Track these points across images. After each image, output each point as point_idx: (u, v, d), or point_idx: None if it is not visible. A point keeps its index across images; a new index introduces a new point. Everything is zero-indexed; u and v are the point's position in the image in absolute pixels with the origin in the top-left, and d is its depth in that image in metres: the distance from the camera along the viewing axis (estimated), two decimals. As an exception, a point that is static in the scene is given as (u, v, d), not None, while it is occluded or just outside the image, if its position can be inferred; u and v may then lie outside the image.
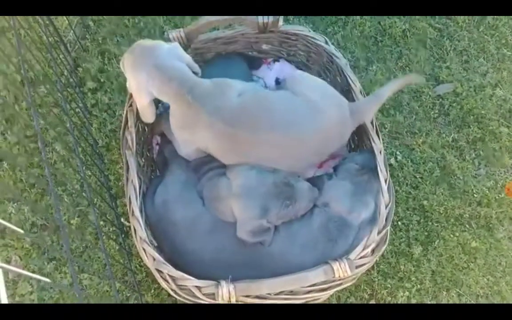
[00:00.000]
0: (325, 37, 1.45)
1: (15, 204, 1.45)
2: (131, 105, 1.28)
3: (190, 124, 1.22)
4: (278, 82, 1.54)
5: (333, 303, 1.41)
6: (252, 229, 1.18)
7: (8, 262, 1.40)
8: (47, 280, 0.73)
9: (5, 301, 0.60)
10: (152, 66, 1.17)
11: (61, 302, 1.37)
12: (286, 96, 1.28)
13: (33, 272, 1.39)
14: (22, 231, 0.68)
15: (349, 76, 1.37)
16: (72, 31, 1.65)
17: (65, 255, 1.38)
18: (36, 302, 1.36)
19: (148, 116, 1.26)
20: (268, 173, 1.23)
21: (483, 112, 1.67)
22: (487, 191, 1.57)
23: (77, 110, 1.53)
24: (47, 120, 1.55)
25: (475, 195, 1.57)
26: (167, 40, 1.33)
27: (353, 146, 1.48)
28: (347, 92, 1.40)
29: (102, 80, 1.60)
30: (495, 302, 1.47)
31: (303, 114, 1.23)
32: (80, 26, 1.69)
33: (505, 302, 1.47)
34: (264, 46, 1.54)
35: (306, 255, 1.18)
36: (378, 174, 1.23)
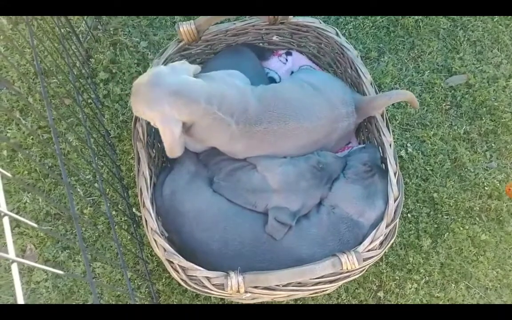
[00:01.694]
0: (336, 29, 1.44)
1: (30, 194, 1.48)
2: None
3: (216, 136, 1.23)
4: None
5: (341, 293, 1.42)
6: (283, 220, 1.22)
7: (24, 251, 1.43)
8: (60, 272, 0.75)
9: (20, 292, 0.62)
10: (169, 95, 1.12)
11: (75, 289, 1.40)
12: (297, 87, 1.32)
13: (47, 260, 1.42)
14: (36, 226, 0.70)
15: (359, 68, 1.37)
16: (84, 22, 1.67)
17: (79, 244, 1.41)
18: (50, 288, 1.40)
19: (179, 148, 1.18)
20: (302, 163, 1.27)
21: (496, 104, 1.65)
22: (498, 184, 1.56)
23: (89, 101, 1.55)
24: (59, 111, 1.57)
25: (485, 188, 1.56)
26: (176, 31, 1.34)
27: (363, 138, 1.48)
28: (357, 84, 1.39)
29: (114, 71, 1.62)
30: (504, 295, 1.47)
31: (316, 102, 1.29)
32: (91, 17, 1.70)
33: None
34: (275, 38, 1.53)
35: (315, 252, 1.20)
36: (386, 169, 1.24)
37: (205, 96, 1.16)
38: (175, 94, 1.13)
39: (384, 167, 1.31)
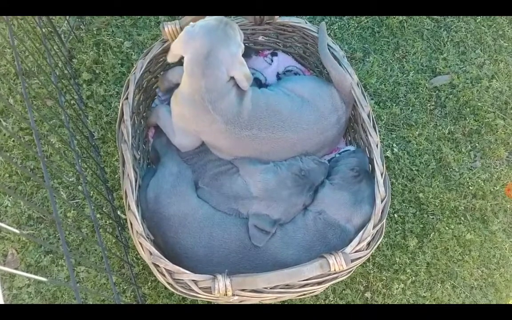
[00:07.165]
0: (322, 29, 1.44)
1: (11, 197, 1.44)
2: (127, 97, 1.27)
3: (202, 125, 1.26)
4: (279, 78, 1.54)
5: (329, 295, 1.41)
6: (262, 227, 1.21)
7: (5, 256, 1.40)
8: (44, 279, 0.73)
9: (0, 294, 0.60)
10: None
11: (58, 294, 1.37)
12: (287, 99, 1.34)
13: (30, 265, 1.39)
14: (17, 231, 0.68)
15: (346, 68, 1.37)
16: (66, 22, 1.63)
17: (62, 249, 1.38)
18: (33, 294, 1.36)
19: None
20: (283, 170, 1.27)
21: (479, 104, 1.67)
22: (483, 184, 1.58)
23: (72, 102, 1.52)
24: (42, 112, 1.53)
25: (470, 188, 1.57)
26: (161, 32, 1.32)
27: (349, 139, 1.48)
28: (343, 85, 1.39)
29: (97, 71, 1.59)
30: (489, 294, 1.48)
31: (304, 113, 1.32)
32: (74, 16, 1.67)
33: (498, 294, 1.49)
34: (261, 38, 1.52)
35: (302, 258, 1.19)
36: (373, 174, 1.25)
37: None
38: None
39: (371, 168, 1.31)
